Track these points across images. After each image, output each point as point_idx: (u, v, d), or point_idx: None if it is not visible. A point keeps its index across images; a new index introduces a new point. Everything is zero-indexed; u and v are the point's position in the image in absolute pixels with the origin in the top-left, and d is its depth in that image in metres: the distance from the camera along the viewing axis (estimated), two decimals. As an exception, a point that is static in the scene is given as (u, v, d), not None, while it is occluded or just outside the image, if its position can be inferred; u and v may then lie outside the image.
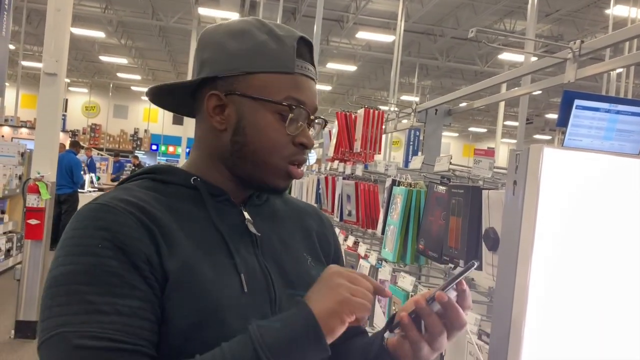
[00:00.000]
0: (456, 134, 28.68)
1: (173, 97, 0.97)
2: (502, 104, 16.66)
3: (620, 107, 1.49)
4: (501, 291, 0.99)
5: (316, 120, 0.94)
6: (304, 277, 0.92)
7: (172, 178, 0.90)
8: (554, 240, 0.90)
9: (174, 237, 0.80)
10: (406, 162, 3.83)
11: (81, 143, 10.57)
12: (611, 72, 11.83)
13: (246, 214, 0.91)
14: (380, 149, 2.51)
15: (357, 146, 2.55)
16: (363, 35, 14.33)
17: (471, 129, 27.33)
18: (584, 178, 0.91)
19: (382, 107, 2.56)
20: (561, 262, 0.90)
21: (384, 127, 2.52)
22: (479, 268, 1.26)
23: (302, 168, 0.95)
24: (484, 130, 27.33)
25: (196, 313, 0.77)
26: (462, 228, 1.31)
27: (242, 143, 0.88)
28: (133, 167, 16.61)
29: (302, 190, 4.18)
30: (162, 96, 0.97)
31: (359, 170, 2.30)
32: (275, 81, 0.87)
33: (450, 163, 1.67)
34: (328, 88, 22.99)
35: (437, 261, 1.50)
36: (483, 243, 1.23)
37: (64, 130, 14.67)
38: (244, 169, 0.90)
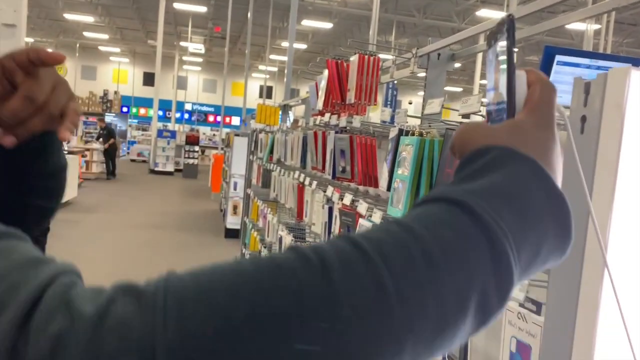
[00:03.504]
0: (432, 94, 28.53)
1: None
2: (479, 60, 16.49)
3: (601, 63, 1.44)
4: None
5: None
6: None
7: None
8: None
9: None
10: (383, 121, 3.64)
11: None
12: (588, 29, 11.73)
13: None
14: (376, 100, 2.32)
15: (351, 96, 2.34)
16: (340, -10, 13.89)
17: (446, 88, 27.21)
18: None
19: (382, 56, 2.34)
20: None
21: (379, 75, 2.31)
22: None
23: None
24: (459, 89, 27.23)
25: None
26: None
27: None
28: (100, 131, 16.12)
29: (287, 149, 3.97)
30: None
31: (357, 121, 2.11)
32: None
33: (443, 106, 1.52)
34: (303, 46, 22.48)
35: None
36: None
37: (29, 91, 14.04)
38: None
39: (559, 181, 0.46)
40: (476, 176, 0.42)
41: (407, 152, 1.52)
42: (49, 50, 0.67)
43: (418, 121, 1.70)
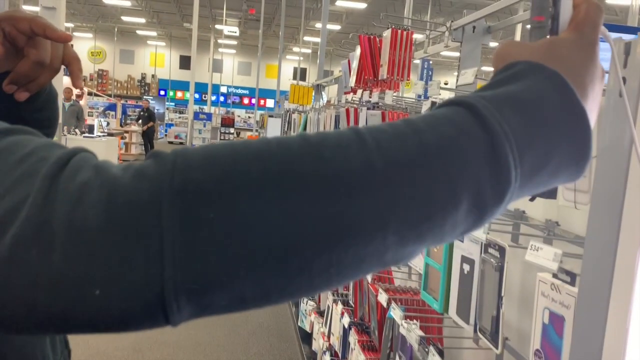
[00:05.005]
0: (469, 74, 27.97)
1: None
2: (517, 36, 16.02)
3: (645, 39, 1.36)
4: (598, 225, 0.80)
5: None
6: None
7: None
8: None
9: None
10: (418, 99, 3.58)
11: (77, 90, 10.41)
12: (634, 4, 11.24)
13: None
14: (409, 75, 2.28)
15: (383, 72, 2.31)
16: (375, -31, 13.66)
17: (483, 68, 26.60)
18: None
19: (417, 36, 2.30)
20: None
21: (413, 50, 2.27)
22: (552, 196, 1.06)
23: None
24: (498, 69, 26.49)
25: None
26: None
27: None
28: (141, 112, 16.40)
29: (319, 128, 3.96)
30: None
31: (389, 97, 2.08)
32: None
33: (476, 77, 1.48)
34: (337, 27, 22.28)
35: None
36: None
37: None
38: None
39: (592, 103, 0.45)
40: (495, 86, 0.43)
41: (440, 125, 1.50)
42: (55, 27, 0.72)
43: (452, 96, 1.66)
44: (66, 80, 9.34)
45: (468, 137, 0.39)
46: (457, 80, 2.09)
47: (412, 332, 1.60)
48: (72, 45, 0.77)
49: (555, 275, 0.97)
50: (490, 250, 1.21)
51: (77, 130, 9.80)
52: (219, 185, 0.36)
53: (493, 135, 0.39)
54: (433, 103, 1.57)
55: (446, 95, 1.68)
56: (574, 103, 0.42)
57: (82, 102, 11.28)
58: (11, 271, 0.34)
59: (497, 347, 1.20)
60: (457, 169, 0.38)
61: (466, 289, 1.33)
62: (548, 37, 0.48)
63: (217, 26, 24.36)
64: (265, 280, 0.36)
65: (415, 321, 1.66)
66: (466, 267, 1.33)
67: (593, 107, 0.45)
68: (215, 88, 27.02)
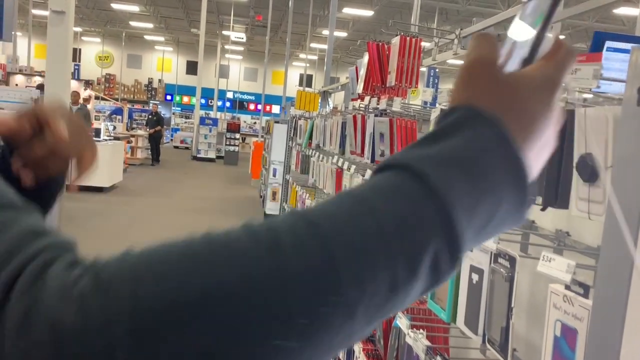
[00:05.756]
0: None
1: None
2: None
3: (654, 49, 1.37)
4: (613, 236, 0.78)
5: None
6: None
7: None
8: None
9: None
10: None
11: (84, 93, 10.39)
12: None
13: None
14: (417, 82, 2.27)
15: (391, 79, 2.31)
16: (382, -24, 13.70)
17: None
18: None
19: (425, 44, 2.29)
20: None
21: (421, 58, 2.26)
22: (564, 206, 1.05)
23: None
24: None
25: None
26: (539, 159, 1.09)
27: None
28: (149, 116, 16.45)
29: (326, 134, 3.96)
30: None
31: (397, 104, 2.07)
32: None
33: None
34: (344, 34, 22.34)
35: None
36: (572, 174, 1.01)
37: (78, 78, 14.48)
38: None
39: (540, 148, 0.45)
40: (438, 138, 0.42)
41: (449, 132, 1.48)
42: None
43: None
44: (74, 84, 9.39)
45: (422, 212, 0.39)
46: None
47: (418, 341, 1.58)
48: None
49: (567, 287, 0.95)
50: (500, 260, 1.19)
51: (83, 133, 9.83)
52: (173, 318, 0.34)
53: (445, 206, 0.39)
54: (442, 110, 1.56)
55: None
56: (512, 156, 0.42)
57: (89, 106, 11.33)
58: None
59: (506, 359, 1.18)
60: (416, 247, 0.38)
61: (475, 299, 1.31)
62: (521, 67, 0.47)
63: (224, 32, 24.47)
64: None
65: (421, 331, 1.64)
66: (475, 277, 1.31)
67: (541, 153, 0.45)
68: (222, 93, 27.11)
